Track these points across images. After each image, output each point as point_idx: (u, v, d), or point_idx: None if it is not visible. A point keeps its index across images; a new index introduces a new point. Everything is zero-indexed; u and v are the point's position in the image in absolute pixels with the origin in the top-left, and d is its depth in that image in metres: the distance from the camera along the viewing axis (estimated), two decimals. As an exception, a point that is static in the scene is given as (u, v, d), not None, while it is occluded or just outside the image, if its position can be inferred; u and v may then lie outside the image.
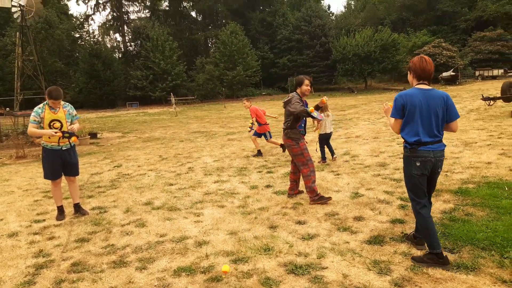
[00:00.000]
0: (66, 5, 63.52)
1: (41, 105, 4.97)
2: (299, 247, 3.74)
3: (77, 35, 60.93)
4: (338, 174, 6.60)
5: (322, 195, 5.12)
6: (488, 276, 2.95)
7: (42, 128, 4.89)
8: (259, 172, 7.30)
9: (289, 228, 4.25)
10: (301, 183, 5.53)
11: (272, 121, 17.87)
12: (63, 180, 5.27)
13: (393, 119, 3.29)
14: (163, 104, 46.58)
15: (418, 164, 3.16)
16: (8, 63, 39.64)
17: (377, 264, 3.28)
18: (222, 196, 5.80)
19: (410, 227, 3.98)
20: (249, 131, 9.68)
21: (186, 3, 67.45)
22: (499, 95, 15.03)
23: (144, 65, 49.07)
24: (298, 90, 5.15)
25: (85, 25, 67.16)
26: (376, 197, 5.13)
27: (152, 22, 54.59)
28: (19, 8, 20.56)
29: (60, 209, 5.24)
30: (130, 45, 61.89)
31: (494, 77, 42.39)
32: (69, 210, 5.43)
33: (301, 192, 5.55)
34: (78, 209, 5.32)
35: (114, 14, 66.86)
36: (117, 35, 70.02)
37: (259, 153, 9.04)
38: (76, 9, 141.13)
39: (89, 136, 15.44)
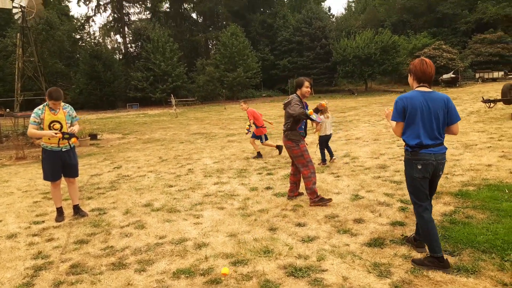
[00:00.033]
0: (67, 6, 63.70)
1: (41, 106, 4.96)
2: (299, 250, 3.72)
3: (78, 36, 61.08)
4: (338, 176, 6.59)
5: (323, 197, 5.11)
6: (488, 279, 2.94)
7: (42, 129, 4.89)
8: (259, 174, 7.29)
9: (289, 230, 4.24)
10: (301, 185, 5.52)
11: (273, 123, 17.86)
12: (63, 181, 5.26)
13: (394, 122, 3.27)
14: (163, 105, 46.61)
15: (419, 167, 3.14)
16: (9, 64, 39.73)
17: (377, 267, 3.26)
18: (222, 198, 5.79)
19: (410, 230, 3.97)
20: (247, 133, 9.69)
21: (187, 5, 67.61)
22: (499, 97, 15.03)
23: (145, 66, 49.14)
24: (298, 92, 5.15)
25: (86, 27, 67.45)
26: (376, 199, 5.12)
27: (153, 24, 54.70)
28: (20, 9, 20.62)
29: (60, 211, 5.23)
30: (131, 47, 61.99)
31: (494, 79, 42.44)
32: (68, 211, 5.41)
33: (301, 194, 5.54)
34: (78, 211, 5.30)
35: (115, 15, 67.01)
36: (117, 36, 70.27)
37: (259, 155, 9.03)
38: (77, 11, 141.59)
39: (89, 137, 15.44)
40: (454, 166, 6.49)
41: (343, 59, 47.14)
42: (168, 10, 68.03)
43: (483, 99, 15.04)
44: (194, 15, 69.38)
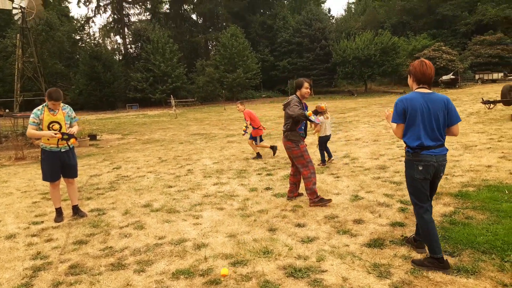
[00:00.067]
0: (67, 7, 63.77)
1: (40, 107, 4.96)
2: (299, 250, 3.72)
3: (78, 37, 61.10)
4: (338, 177, 6.59)
5: (322, 197, 5.11)
6: (488, 280, 2.93)
7: (41, 129, 4.88)
8: (259, 174, 7.28)
9: (289, 231, 4.23)
10: (301, 185, 5.52)
11: (272, 123, 17.87)
12: (62, 182, 5.25)
13: (395, 124, 3.26)
14: (163, 106, 46.62)
15: (420, 168, 3.14)
16: (9, 64, 39.73)
17: (377, 268, 3.25)
18: (221, 198, 5.78)
19: (410, 230, 3.96)
20: (243, 134, 9.69)
21: (186, 6, 67.67)
22: (499, 98, 15.04)
23: (144, 67, 49.15)
24: (298, 93, 5.14)
25: (86, 27, 67.45)
26: (376, 200, 5.11)
27: (153, 25, 54.73)
28: (19, 10, 20.61)
29: (59, 211, 5.22)
30: (131, 47, 62.03)
31: (494, 81, 42.49)
32: (67, 212, 5.40)
33: (301, 194, 5.53)
34: (77, 211, 5.29)
35: (115, 16, 67.07)
36: (117, 37, 70.27)
37: (258, 156, 9.02)
38: (77, 11, 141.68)
39: (89, 138, 15.43)
40: (454, 167, 6.49)
41: (343, 60, 47.15)
42: (168, 11, 68.10)
43: (482, 100, 15.04)
44: (194, 16, 69.51)
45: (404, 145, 3.31)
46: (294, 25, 54.07)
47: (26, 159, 11.82)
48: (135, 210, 5.45)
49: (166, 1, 68.16)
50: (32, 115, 4.87)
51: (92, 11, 67.46)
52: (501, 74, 43.07)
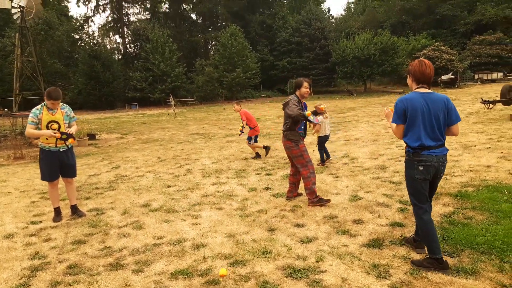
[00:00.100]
0: (66, 6, 63.59)
1: (39, 106, 4.94)
2: (298, 250, 3.71)
3: (77, 37, 61.02)
4: (337, 177, 6.58)
5: (321, 197, 5.10)
6: (488, 281, 2.93)
7: (40, 129, 4.86)
8: (258, 174, 7.27)
9: (288, 231, 4.22)
10: (301, 185, 5.51)
11: (271, 123, 17.86)
12: (61, 181, 5.24)
13: (394, 124, 3.25)
14: (162, 105, 46.56)
15: (421, 168, 3.13)
16: (8, 64, 39.67)
17: (376, 268, 3.25)
18: (221, 198, 5.77)
19: (409, 231, 3.95)
20: (240, 135, 9.66)
21: (186, 5, 67.56)
22: (498, 98, 15.04)
23: (144, 66, 49.07)
24: (297, 93, 5.13)
25: (85, 27, 67.35)
26: (375, 200, 5.10)
27: (152, 24, 54.63)
28: (19, 9, 20.59)
29: (57, 211, 5.20)
30: (130, 47, 61.93)
31: (493, 81, 42.51)
32: (66, 211, 5.39)
33: (300, 194, 5.53)
34: (75, 211, 5.28)
35: (114, 15, 66.94)
36: (117, 36, 70.12)
37: (257, 155, 9.01)
38: (76, 11, 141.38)
39: (88, 137, 15.40)
40: (453, 167, 6.48)
41: (342, 60, 47.15)
42: (167, 10, 67.99)
43: (482, 100, 15.05)
44: (193, 16, 69.40)
45: (404, 145, 3.30)
46: (293, 24, 54.04)
47: (24, 158, 11.80)
48: (134, 210, 5.44)
49: (166, 1, 68.09)
50: (31, 115, 4.86)
51: (91, 10, 67.56)
52: (500, 74, 43.10)
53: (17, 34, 22.04)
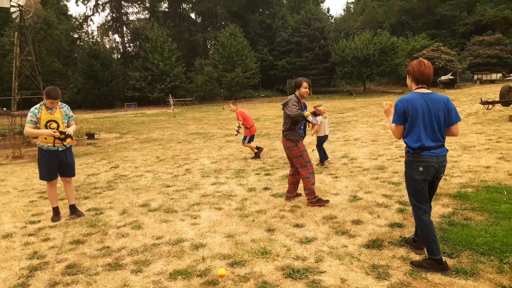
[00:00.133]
0: (66, 5, 63.60)
1: (37, 106, 4.93)
2: (297, 251, 3.70)
3: (76, 36, 60.94)
4: (336, 177, 6.57)
5: (320, 198, 5.10)
6: (487, 282, 2.92)
7: (39, 128, 4.85)
8: (257, 174, 7.26)
9: (287, 232, 4.22)
10: (300, 186, 5.50)
11: (271, 123, 17.85)
12: (59, 181, 5.22)
13: (394, 124, 3.25)
14: (161, 105, 46.55)
15: (421, 169, 3.12)
16: (6, 63, 39.62)
17: (375, 269, 3.24)
18: (220, 198, 5.76)
19: (408, 231, 3.95)
20: (236, 135, 9.64)
21: (185, 5, 67.54)
22: (497, 99, 15.06)
23: (143, 66, 49.04)
24: (297, 92, 5.13)
25: (84, 26, 67.27)
26: (375, 200, 5.10)
27: (152, 23, 54.59)
28: (18, 8, 20.55)
29: (56, 210, 5.19)
30: (129, 46, 61.90)
31: (492, 81, 42.57)
32: (64, 211, 5.37)
33: (299, 195, 5.52)
34: (74, 211, 5.27)
35: (114, 15, 66.88)
36: (116, 36, 70.07)
37: (257, 155, 9.00)
38: (75, 10, 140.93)
39: (87, 137, 15.38)
40: (452, 168, 6.48)
41: (342, 60, 47.17)
42: (166, 10, 67.94)
43: (481, 100, 15.07)
44: (192, 15, 69.37)
45: (404, 146, 3.30)
46: (293, 24, 54.04)
47: (23, 157, 11.77)
48: (132, 209, 5.42)
49: (165, 0, 68.07)
50: (29, 114, 4.85)
51: (90, 9, 67.43)
52: (499, 75, 43.15)
53: (16, 33, 21.99)
